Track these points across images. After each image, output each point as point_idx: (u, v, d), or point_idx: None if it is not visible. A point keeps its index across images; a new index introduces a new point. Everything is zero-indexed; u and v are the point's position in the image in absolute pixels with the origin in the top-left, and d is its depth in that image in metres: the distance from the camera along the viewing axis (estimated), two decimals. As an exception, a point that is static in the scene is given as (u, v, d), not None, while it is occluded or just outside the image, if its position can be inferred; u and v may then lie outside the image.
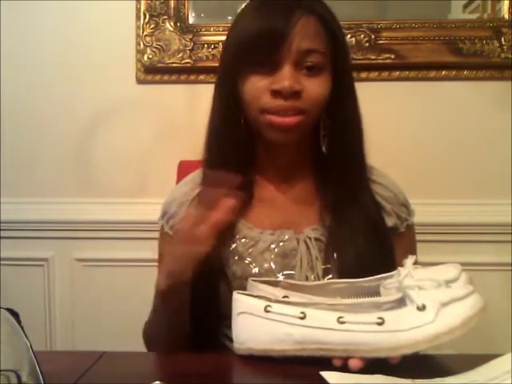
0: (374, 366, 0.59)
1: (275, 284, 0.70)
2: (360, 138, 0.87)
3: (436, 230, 1.37)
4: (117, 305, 1.45)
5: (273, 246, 0.84)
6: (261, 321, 0.62)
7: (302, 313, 0.60)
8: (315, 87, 0.80)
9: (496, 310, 1.39)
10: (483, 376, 0.56)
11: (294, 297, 0.67)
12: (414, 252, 0.91)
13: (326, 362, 0.61)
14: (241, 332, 0.65)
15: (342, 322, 0.59)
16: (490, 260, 1.40)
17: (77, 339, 1.49)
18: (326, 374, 0.59)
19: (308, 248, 0.84)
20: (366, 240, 0.82)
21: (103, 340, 1.42)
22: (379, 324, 0.58)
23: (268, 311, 0.62)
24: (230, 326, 0.81)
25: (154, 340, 0.87)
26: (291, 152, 0.87)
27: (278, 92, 0.78)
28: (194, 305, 0.79)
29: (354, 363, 0.59)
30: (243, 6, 0.88)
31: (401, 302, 0.62)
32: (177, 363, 0.70)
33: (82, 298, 1.49)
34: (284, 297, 0.66)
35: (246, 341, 0.64)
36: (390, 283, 0.65)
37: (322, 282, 0.74)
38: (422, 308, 0.58)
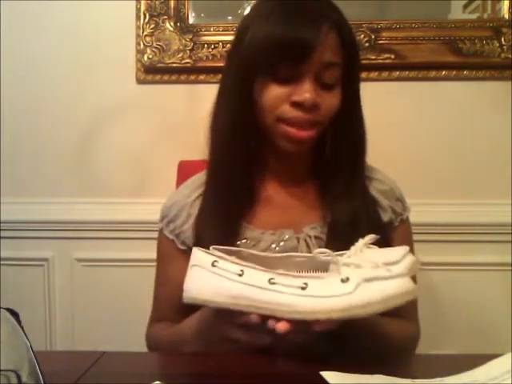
0: (373, 366, 0.59)
1: (235, 253, 0.72)
2: (363, 142, 0.88)
3: (436, 229, 1.37)
4: (117, 305, 1.45)
5: (273, 245, 0.85)
6: (207, 274, 0.67)
7: (241, 271, 0.65)
8: (331, 100, 0.81)
9: (496, 309, 1.39)
10: (483, 376, 0.56)
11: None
12: (409, 245, 0.92)
13: (326, 362, 0.61)
14: (190, 282, 0.69)
15: (272, 283, 0.63)
16: (490, 260, 1.40)
17: (77, 339, 1.49)
18: (326, 374, 0.59)
19: (308, 246, 0.85)
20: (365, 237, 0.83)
21: (103, 340, 1.42)
22: (302, 288, 0.62)
23: (214, 266, 0.67)
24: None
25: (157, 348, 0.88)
26: (297, 157, 0.88)
27: (299, 104, 0.78)
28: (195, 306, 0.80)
29: (280, 325, 0.62)
30: (255, 4, 0.87)
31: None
32: (177, 363, 0.70)
33: (82, 298, 1.49)
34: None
35: (193, 291, 0.68)
36: (325, 257, 0.68)
37: (283, 254, 0.75)
38: (345, 280, 0.62)
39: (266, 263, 0.70)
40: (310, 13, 0.79)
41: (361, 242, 0.68)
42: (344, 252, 0.68)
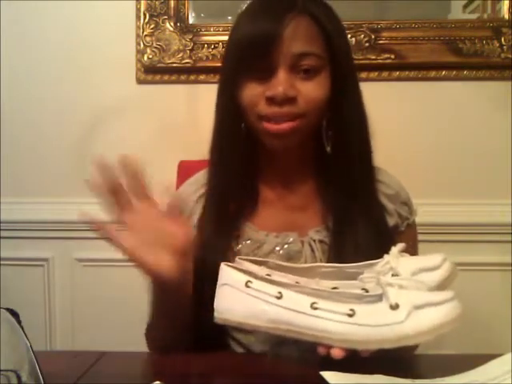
0: (374, 365, 0.59)
1: (262, 263, 0.70)
2: (365, 138, 0.85)
3: (436, 230, 1.37)
4: (117, 305, 1.45)
5: (277, 248, 0.84)
6: (240, 294, 0.63)
7: (280, 293, 0.62)
8: (312, 91, 0.79)
9: (496, 310, 1.39)
10: (483, 376, 0.56)
11: (277, 276, 0.68)
12: (415, 249, 0.91)
13: (326, 362, 0.61)
14: (221, 302, 0.66)
15: (315, 308, 0.60)
16: (490, 260, 1.40)
17: (77, 339, 1.49)
18: (326, 374, 0.59)
19: (312, 250, 0.84)
20: (369, 242, 0.81)
21: (103, 340, 1.42)
22: (350, 316, 0.59)
23: (248, 286, 0.63)
24: (236, 328, 0.81)
25: (156, 342, 0.87)
26: (293, 155, 0.86)
27: (272, 98, 0.77)
28: (200, 306, 0.79)
29: (335, 352, 0.60)
30: (243, 8, 0.88)
31: (382, 297, 0.62)
32: (177, 363, 0.70)
33: (82, 298, 1.49)
34: (267, 275, 0.67)
35: (225, 312, 0.65)
36: (369, 279, 0.65)
37: (309, 264, 0.74)
38: (394, 307, 0.58)
39: (289, 272, 0.69)
40: (275, 5, 0.79)
41: (394, 249, 0.66)
42: (377, 261, 0.67)
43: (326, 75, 0.80)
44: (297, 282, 0.68)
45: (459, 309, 0.60)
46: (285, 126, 0.78)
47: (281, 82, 0.77)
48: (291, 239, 0.85)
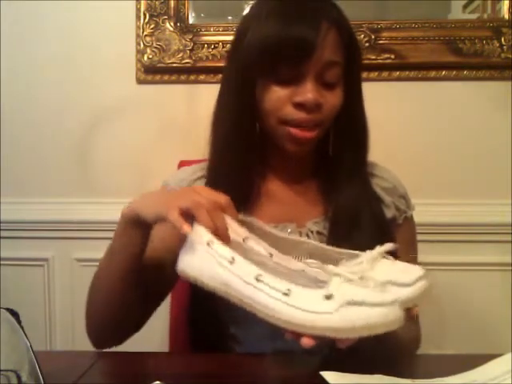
0: (373, 365, 0.59)
1: (249, 225, 0.70)
2: (365, 139, 0.88)
3: (436, 230, 1.37)
4: (117, 305, 1.45)
5: None
6: (200, 252, 0.64)
7: (233, 258, 0.62)
8: (333, 99, 0.81)
9: (496, 309, 1.39)
10: (483, 376, 0.56)
11: (252, 242, 0.68)
12: (413, 244, 0.92)
13: (326, 363, 0.61)
14: (184, 256, 0.66)
15: (259, 281, 0.60)
16: (490, 260, 1.40)
17: (77, 339, 1.48)
18: (326, 374, 0.59)
19: None
20: (366, 233, 0.83)
21: (103, 340, 1.41)
22: (285, 294, 0.59)
23: (209, 246, 0.63)
24: (237, 327, 0.80)
25: (94, 293, 0.87)
26: (299, 155, 0.87)
27: (302, 104, 0.78)
28: (199, 302, 0.79)
29: (305, 341, 0.58)
30: (255, 4, 0.86)
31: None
32: (177, 363, 0.70)
33: (82, 298, 1.48)
34: (244, 238, 0.68)
35: (186, 267, 0.65)
36: (314, 265, 0.65)
37: (295, 238, 0.73)
38: (328, 297, 0.58)
39: (276, 242, 0.69)
40: (309, 11, 0.78)
41: (376, 250, 0.64)
42: (359, 253, 0.65)
43: (341, 84, 0.82)
44: (270, 254, 0.68)
45: (398, 314, 0.57)
46: (310, 134, 0.80)
47: (310, 89, 0.78)
48: (289, 230, 0.85)
